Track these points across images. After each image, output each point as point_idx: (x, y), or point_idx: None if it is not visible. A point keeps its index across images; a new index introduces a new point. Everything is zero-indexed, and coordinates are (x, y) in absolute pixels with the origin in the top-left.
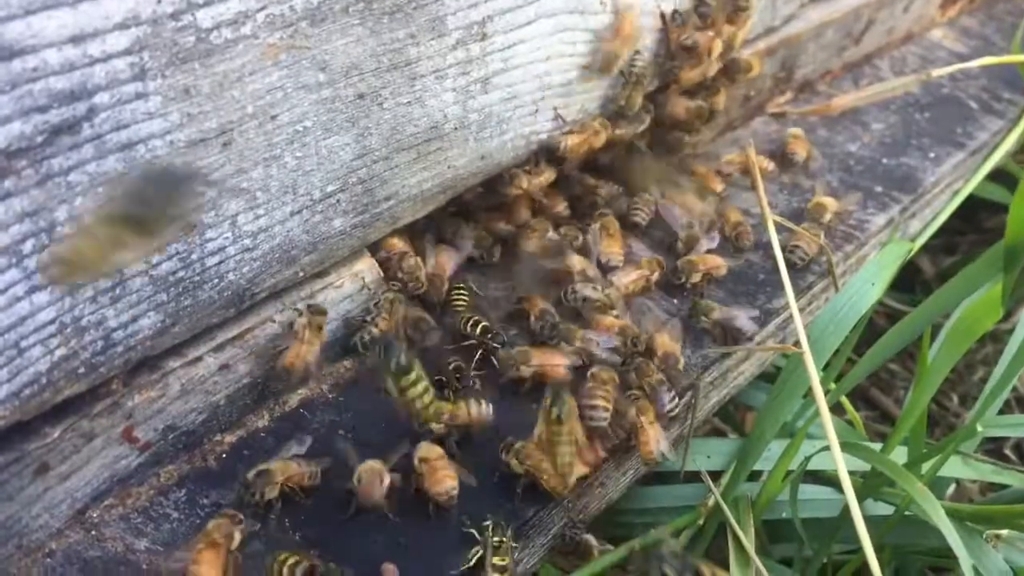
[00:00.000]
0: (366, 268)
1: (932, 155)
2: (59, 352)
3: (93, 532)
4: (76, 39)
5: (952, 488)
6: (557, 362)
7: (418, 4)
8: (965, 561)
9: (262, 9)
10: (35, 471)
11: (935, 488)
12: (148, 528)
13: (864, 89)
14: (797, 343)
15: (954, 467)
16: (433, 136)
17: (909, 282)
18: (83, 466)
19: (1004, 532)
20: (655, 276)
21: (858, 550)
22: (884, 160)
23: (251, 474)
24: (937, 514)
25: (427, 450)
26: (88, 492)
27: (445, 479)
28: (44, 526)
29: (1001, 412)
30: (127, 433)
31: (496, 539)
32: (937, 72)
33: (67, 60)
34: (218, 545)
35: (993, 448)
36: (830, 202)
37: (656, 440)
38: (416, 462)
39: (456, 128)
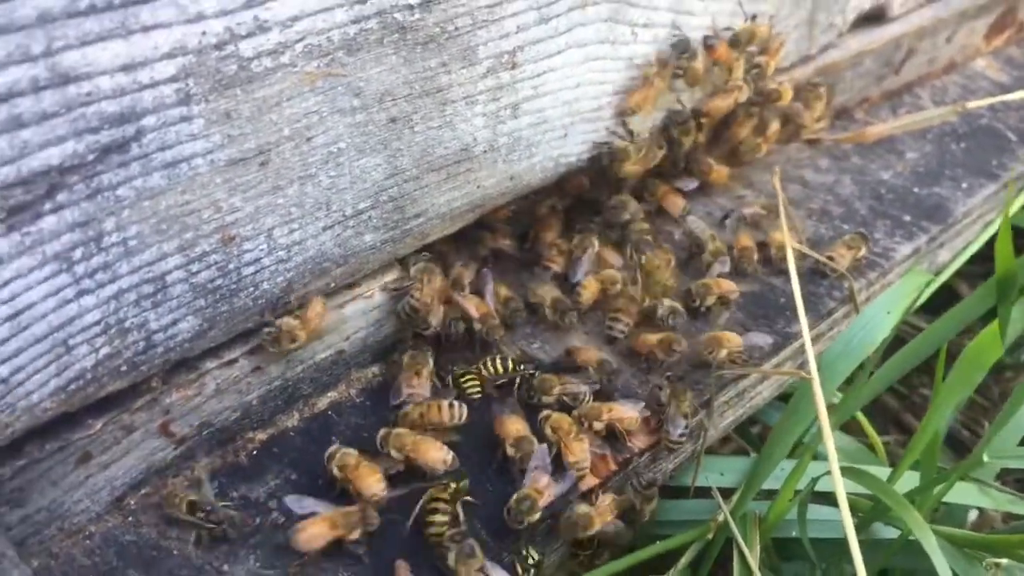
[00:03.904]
0: (395, 280)
1: (964, 185)
2: (104, 351)
3: (130, 518)
4: (127, 67)
5: (975, 515)
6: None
7: (451, 35)
8: None
9: (301, 40)
10: (78, 459)
11: (953, 515)
12: None
13: (900, 118)
14: (807, 368)
15: (970, 495)
16: (463, 158)
17: (947, 308)
18: (122, 456)
19: (1004, 561)
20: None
21: None
22: (916, 189)
23: None
24: (929, 542)
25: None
26: (127, 481)
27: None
28: (85, 511)
29: None
30: (164, 427)
31: None
32: (972, 104)
33: (118, 86)
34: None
35: (1022, 476)
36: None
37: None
38: None
39: (485, 151)
